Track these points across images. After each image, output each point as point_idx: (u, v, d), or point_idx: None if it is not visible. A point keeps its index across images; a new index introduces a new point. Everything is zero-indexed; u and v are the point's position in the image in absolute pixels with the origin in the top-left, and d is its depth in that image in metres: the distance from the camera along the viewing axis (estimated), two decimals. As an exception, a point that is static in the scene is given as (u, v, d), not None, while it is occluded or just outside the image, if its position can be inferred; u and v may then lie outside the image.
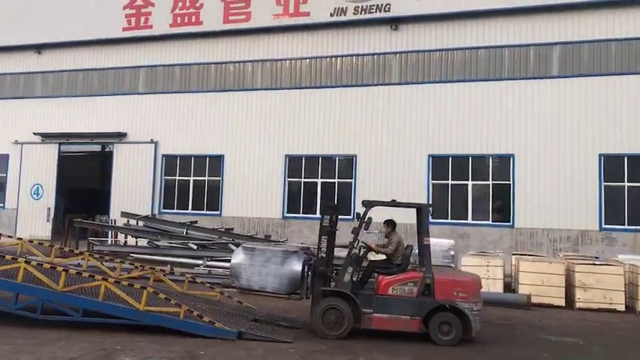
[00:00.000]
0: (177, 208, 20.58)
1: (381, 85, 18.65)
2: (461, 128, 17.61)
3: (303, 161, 19.42)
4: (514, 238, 16.86)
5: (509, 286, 13.19)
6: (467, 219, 17.46)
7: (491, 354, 7.87)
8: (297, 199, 19.35)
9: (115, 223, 19.09)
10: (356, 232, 8.40)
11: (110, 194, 21.65)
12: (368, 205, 8.45)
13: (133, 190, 21.10)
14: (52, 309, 8.03)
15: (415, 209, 8.76)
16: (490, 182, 17.45)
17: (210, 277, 12.46)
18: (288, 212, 19.28)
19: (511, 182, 17.09)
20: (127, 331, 7.82)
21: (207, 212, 19.99)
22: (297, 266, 8.49)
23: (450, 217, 17.55)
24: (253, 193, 19.63)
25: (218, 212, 19.97)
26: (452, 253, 12.79)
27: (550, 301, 11.78)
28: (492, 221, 17.28)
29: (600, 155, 16.35)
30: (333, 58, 19.32)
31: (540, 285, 11.88)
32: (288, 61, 19.87)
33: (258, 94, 20.03)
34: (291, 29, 19.70)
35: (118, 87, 22.00)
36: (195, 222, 16.47)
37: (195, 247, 14.50)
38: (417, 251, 8.66)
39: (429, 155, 17.90)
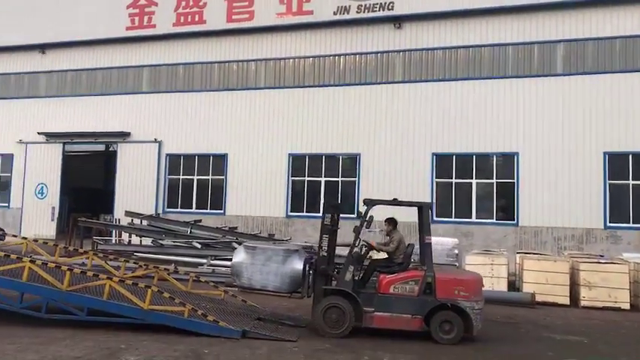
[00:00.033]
0: (181, 207, 20.62)
1: (385, 83, 18.62)
2: (465, 126, 17.57)
3: (307, 160, 19.42)
4: (518, 237, 16.81)
5: (514, 285, 13.16)
6: (471, 217, 17.44)
7: (496, 352, 7.85)
8: (300, 198, 19.35)
9: (119, 222, 19.14)
10: (357, 230, 8.38)
11: (114, 193, 21.70)
12: (369, 203, 8.43)
13: (137, 189, 21.15)
14: (56, 308, 8.05)
15: (417, 208, 8.74)
16: (494, 180, 17.41)
17: (214, 276, 12.49)
18: (291, 211, 19.29)
19: (515, 180, 17.04)
20: (132, 330, 7.84)
21: (211, 211, 20.02)
22: (298, 265, 8.49)
23: (454, 216, 17.53)
24: (257, 192, 19.64)
25: (222, 211, 20.00)
26: (456, 251, 12.75)
27: (555, 300, 11.76)
28: (497, 219, 17.24)
29: (605, 153, 16.30)
30: (337, 57, 19.30)
31: (545, 283, 11.86)
32: (291, 60, 19.86)
33: (262, 92, 20.04)
34: (294, 28, 19.70)
35: (122, 86, 22.06)
36: (199, 221, 16.51)
37: (199, 246, 14.51)
38: (418, 250, 8.65)
39: (433, 153, 17.87)
